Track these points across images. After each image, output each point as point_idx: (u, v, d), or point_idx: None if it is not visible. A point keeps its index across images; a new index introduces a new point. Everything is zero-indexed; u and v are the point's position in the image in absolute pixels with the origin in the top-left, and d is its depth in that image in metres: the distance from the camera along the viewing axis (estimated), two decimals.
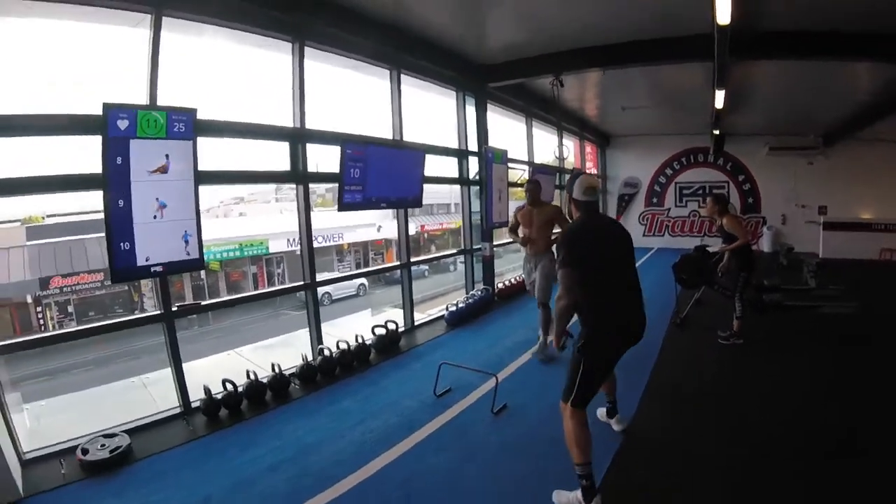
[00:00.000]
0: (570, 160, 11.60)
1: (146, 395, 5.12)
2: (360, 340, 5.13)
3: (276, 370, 4.23)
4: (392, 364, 5.06)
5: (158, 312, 3.68)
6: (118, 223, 3.13)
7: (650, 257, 11.98)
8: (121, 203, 3.11)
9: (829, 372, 4.41)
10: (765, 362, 4.73)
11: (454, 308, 6.63)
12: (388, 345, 5.44)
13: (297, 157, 4.72)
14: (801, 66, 6.47)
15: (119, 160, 3.07)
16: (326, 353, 4.76)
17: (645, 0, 5.02)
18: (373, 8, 4.75)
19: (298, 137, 4.70)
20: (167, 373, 3.83)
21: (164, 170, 3.33)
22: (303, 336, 7.31)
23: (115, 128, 3.04)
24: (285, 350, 6.85)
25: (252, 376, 4.05)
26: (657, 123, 11.88)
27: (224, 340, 12.79)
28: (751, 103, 8.65)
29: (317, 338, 4.99)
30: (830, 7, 4.76)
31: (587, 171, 3.12)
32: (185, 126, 3.39)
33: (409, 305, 6.40)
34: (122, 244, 3.15)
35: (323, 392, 4.31)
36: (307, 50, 4.72)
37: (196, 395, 3.86)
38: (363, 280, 19.64)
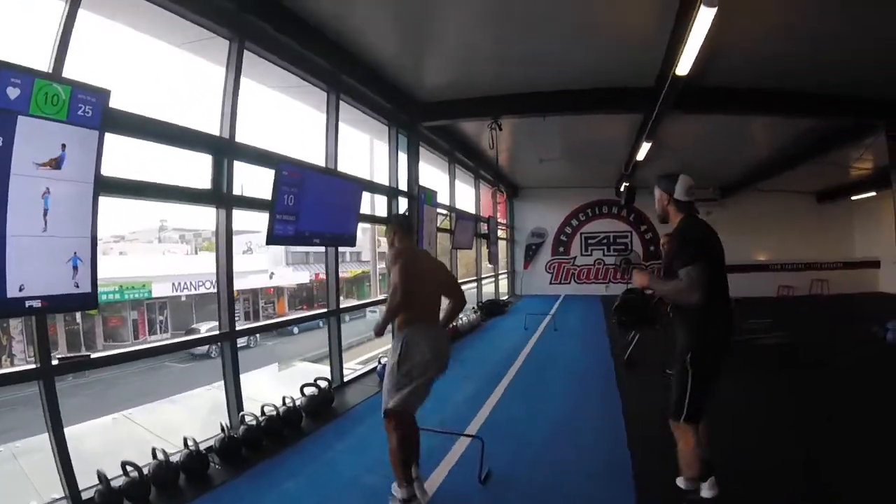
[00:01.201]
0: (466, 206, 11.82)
1: (17, 469, 3.72)
2: (288, 403, 4.29)
3: (191, 445, 3.25)
4: (332, 430, 4.25)
5: (34, 367, 2.61)
6: None
7: (562, 304, 12.32)
8: None
9: (793, 397, 4.68)
10: (723, 395, 4.78)
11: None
12: (321, 406, 4.62)
13: (222, 174, 3.95)
14: (715, 123, 7.26)
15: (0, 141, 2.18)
16: (250, 420, 3.85)
17: (592, 51, 5.28)
18: (318, 19, 4.39)
19: (225, 151, 3.96)
20: (43, 439, 2.74)
21: (56, 164, 2.45)
22: (204, 395, 6.11)
23: (3, 96, 2.17)
24: (186, 414, 5.61)
25: (161, 455, 3.04)
26: (565, 176, 12.61)
27: (106, 398, 10.42)
28: (659, 158, 9.47)
29: (237, 401, 4.04)
30: (774, 67, 5.41)
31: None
32: (93, 110, 2.57)
33: (337, 358, 5.62)
34: None
35: (254, 472, 3.38)
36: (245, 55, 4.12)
37: (86, 480, 2.76)
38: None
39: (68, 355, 2.79)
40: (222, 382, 6.39)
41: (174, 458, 3.14)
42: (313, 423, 4.33)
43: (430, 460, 3.51)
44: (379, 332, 2.79)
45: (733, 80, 5.77)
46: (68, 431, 2.83)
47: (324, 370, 10.09)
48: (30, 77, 2.28)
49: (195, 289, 17.92)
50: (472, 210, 11.86)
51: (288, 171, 4.30)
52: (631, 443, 3.77)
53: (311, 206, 4.60)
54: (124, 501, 2.75)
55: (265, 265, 19.72)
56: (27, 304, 2.38)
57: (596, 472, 3.32)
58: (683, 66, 4.53)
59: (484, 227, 11.58)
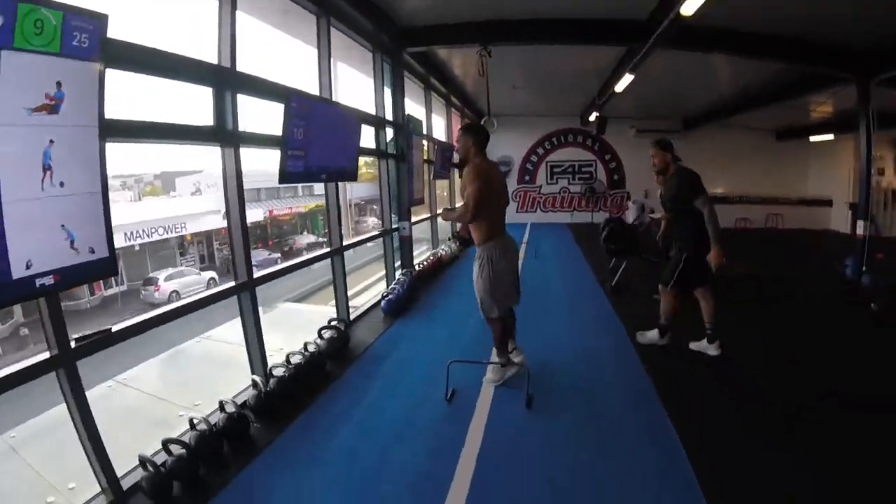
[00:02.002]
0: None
1: (20, 465, 3.01)
2: (311, 348, 3.94)
3: (231, 408, 2.88)
4: (357, 372, 3.97)
5: (51, 355, 2.09)
6: None
7: (532, 232, 12.15)
8: None
9: (759, 329, 4.71)
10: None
11: (391, 296, 5.68)
12: (340, 350, 4.32)
13: (225, 109, 3.27)
14: (689, 59, 6.89)
15: None
16: (280, 371, 3.50)
17: None
18: None
19: (227, 82, 3.25)
20: (47, 420, 2.67)
21: (52, 107, 1.82)
22: (196, 349, 5.60)
23: None
24: (188, 374, 5.09)
25: (203, 424, 2.67)
26: (532, 104, 11.95)
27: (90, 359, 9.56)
28: (627, 89, 9.09)
29: (260, 355, 3.64)
30: (769, 12, 5.20)
31: None
32: (90, 39, 1.89)
33: (343, 298, 5.25)
34: None
35: (297, 426, 3.06)
36: None
37: (120, 465, 2.35)
38: (212, 274, 17.38)
39: (87, 333, 2.23)
40: (210, 333, 5.98)
41: (213, 424, 2.76)
42: (337, 367, 4.04)
43: (472, 389, 3.46)
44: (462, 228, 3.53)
45: (724, 21, 5.43)
46: (63, 414, 2.32)
47: (309, 309, 9.61)
48: (12, 2, 1.60)
49: (148, 237, 16.45)
50: (444, 139, 11.21)
51: (297, 103, 3.68)
52: (646, 364, 3.83)
53: (318, 140, 4.02)
54: (173, 483, 2.38)
55: (217, 206, 18.19)
56: (38, 282, 1.82)
57: (626, 394, 3.40)
58: (689, 7, 4.11)
59: (456, 157, 11.00)
